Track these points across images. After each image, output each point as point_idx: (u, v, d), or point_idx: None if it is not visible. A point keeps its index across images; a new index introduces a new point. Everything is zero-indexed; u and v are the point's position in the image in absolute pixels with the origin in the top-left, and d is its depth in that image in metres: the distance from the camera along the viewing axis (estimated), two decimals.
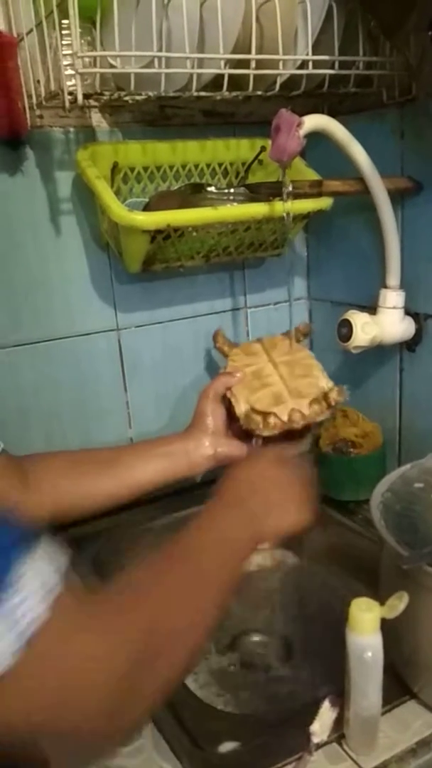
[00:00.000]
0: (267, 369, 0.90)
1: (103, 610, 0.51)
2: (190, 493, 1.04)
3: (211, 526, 0.66)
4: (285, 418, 0.83)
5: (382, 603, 0.58)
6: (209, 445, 0.86)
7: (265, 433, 0.84)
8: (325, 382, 0.88)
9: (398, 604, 0.57)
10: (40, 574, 0.46)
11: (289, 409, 0.83)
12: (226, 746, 0.62)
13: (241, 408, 0.85)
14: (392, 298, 0.94)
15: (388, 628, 0.58)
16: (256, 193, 0.95)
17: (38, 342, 0.99)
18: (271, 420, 0.84)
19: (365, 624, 0.57)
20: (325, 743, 0.62)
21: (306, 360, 0.92)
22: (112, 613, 0.51)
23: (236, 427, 0.88)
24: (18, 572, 0.44)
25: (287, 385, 0.87)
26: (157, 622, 0.52)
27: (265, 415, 0.84)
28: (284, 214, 0.90)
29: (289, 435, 0.85)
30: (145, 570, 0.57)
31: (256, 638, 0.90)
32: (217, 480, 0.72)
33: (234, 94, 0.83)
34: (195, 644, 0.57)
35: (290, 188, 0.87)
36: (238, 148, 1.04)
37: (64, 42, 0.75)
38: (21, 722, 0.45)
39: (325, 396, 0.86)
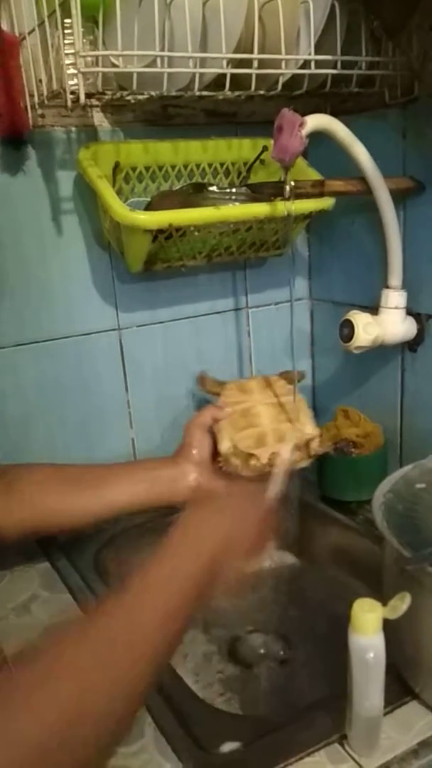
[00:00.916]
0: (255, 409, 0.92)
1: (13, 683, 0.45)
2: None
3: (162, 561, 0.61)
4: (265, 460, 0.85)
5: (384, 604, 0.58)
6: (193, 477, 0.87)
7: (244, 473, 0.85)
8: (310, 429, 0.90)
9: (400, 604, 0.57)
10: None
11: (270, 452, 0.85)
12: (228, 746, 0.62)
13: (224, 446, 0.86)
14: (394, 299, 0.94)
15: (390, 628, 0.58)
16: (258, 192, 0.95)
17: (39, 342, 0.98)
18: (252, 461, 0.85)
19: (367, 624, 0.57)
20: (327, 744, 0.62)
21: (297, 405, 0.94)
22: (25, 687, 0.44)
23: (216, 463, 0.89)
24: None
25: (272, 427, 0.88)
26: (80, 695, 0.45)
27: (246, 455, 0.85)
28: (286, 214, 0.90)
29: (266, 477, 0.85)
30: (69, 635, 0.50)
31: (258, 638, 0.90)
32: None
33: (236, 93, 0.83)
34: (124, 713, 0.50)
35: (292, 188, 0.87)
36: (240, 148, 1.04)
37: (66, 41, 0.75)
38: None
39: (307, 444, 0.87)
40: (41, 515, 0.80)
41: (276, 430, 0.89)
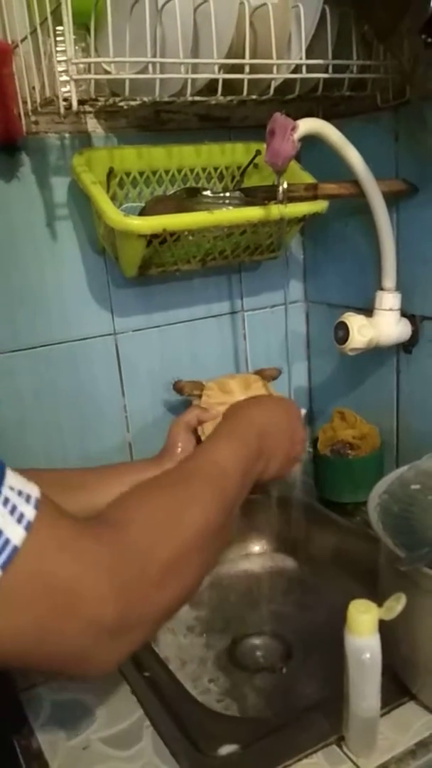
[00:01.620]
0: None
1: (101, 523, 0.53)
2: None
3: (208, 450, 0.68)
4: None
5: (380, 604, 0.58)
6: None
7: None
8: None
9: (396, 605, 0.57)
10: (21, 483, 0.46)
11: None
12: (226, 749, 0.62)
13: None
14: (388, 300, 0.94)
15: (386, 629, 0.58)
16: (251, 196, 0.95)
17: (35, 347, 0.99)
18: None
19: (363, 625, 0.57)
20: (325, 745, 0.62)
21: None
22: (115, 528, 0.53)
23: None
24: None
25: None
26: (169, 549, 0.54)
27: None
28: (280, 218, 0.90)
29: None
30: (155, 485, 0.61)
31: (255, 641, 0.90)
32: None
33: (229, 98, 0.83)
34: (205, 562, 0.59)
35: (285, 191, 0.88)
36: (234, 152, 1.04)
37: (58, 48, 0.75)
38: (15, 638, 0.44)
39: None
40: None
41: None
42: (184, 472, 0.65)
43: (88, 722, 0.67)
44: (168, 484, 0.63)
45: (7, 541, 0.42)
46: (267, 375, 1.00)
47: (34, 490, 0.47)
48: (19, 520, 0.44)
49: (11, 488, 0.45)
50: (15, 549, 0.43)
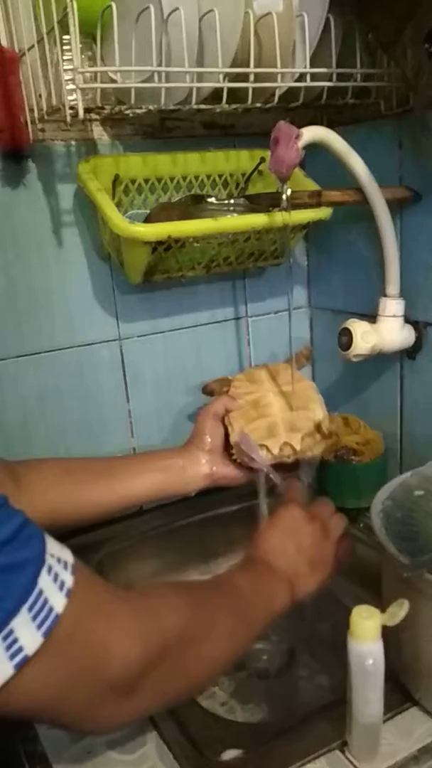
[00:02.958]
0: (266, 399, 0.91)
1: (139, 596, 0.57)
2: (190, 501, 1.05)
3: (246, 576, 0.68)
4: (276, 451, 0.84)
5: (383, 611, 0.58)
6: (206, 464, 0.87)
7: (255, 465, 0.85)
8: (320, 414, 0.89)
9: (399, 611, 0.57)
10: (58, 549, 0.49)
11: (281, 442, 0.85)
12: (229, 754, 0.63)
13: (235, 437, 0.86)
14: (392, 307, 0.94)
15: (389, 635, 0.58)
16: (256, 203, 0.96)
17: (41, 353, 0.99)
18: (263, 452, 0.84)
19: (366, 631, 0.57)
20: (328, 751, 0.62)
21: (306, 391, 0.93)
22: (151, 600, 0.57)
23: (228, 452, 0.89)
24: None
25: (283, 416, 0.88)
26: (192, 630, 0.57)
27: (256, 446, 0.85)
28: (284, 225, 0.90)
29: (281, 466, 0.86)
30: (182, 587, 0.63)
31: (258, 646, 0.90)
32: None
33: (233, 106, 0.84)
34: (210, 670, 0.61)
35: (289, 198, 0.88)
36: (238, 160, 1.05)
37: (65, 57, 0.76)
38: (41, 698, 0.47)
39: (318, 427, 0.87)
40: (53, 509, 0.78)
41: (286, 419, 0.88)
42: (231, 588, 0.66)
43: None
44: (219, 591, 0.65)
45: (50, 610, 0.46)
46: (300, 359, 0.98)
47: (69, 556, 0.50)
48: (61, 587, 0.47)
49: (52, 555, 0.48)
50: (57, 617, 0.46)
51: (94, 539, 0.97)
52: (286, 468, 0.86)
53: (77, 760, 0.64)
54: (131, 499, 0.84)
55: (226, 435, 0.88)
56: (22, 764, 0.65)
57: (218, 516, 1.05)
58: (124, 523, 1.02)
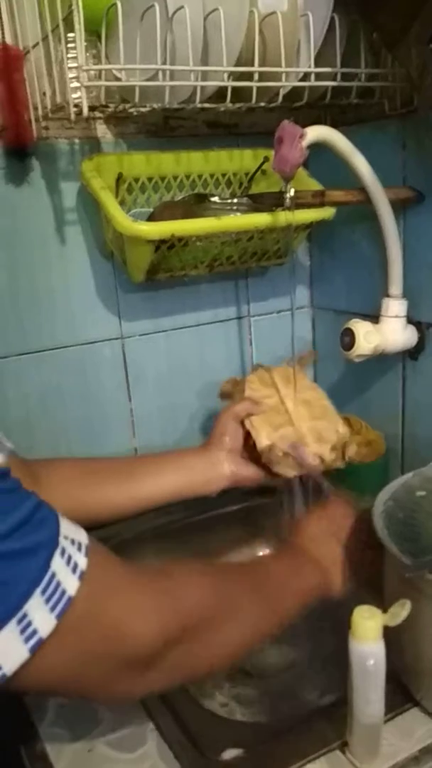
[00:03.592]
0: (286, 404, 0.91)
1: (160, 576, 0.57)
2: (191, 501, 1.05)
3: (281, 563, 0.70)
4: (307, 461, 0.85)
5: (385, 611, 0.58)
6: (227, 464, 0.87)
7: (289, 474, 0.86)
8: (342, 428, 0.91)
9: (400, 611, 0.57)
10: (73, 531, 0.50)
11: (312, 452, 0.86)
12: (230, 753, 0.62)
13: (262, 442, 0.86)
14: (395, 307, 0.94)
15: (390, 635, 0.58)
16: (259, 203, 0.96)
17: (43, 351, 0.99)
18: (291, 461, 0.85)
19: (367, 631, 0.57)
20: (328, 751, 0.62)
21: (321, 401, 0.94)
22: (172, 580, 0.57)
23: (249, 452, 0.89)
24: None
25: (309, 426, 0.89)
26: (214, 612, 0.57)
27: (286, 454, 0.86)
28: (287, 224, 0.90)
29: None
30: (205, 569, 0.62)
31: (260, 646, 0.90)
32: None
33: (237, 105, 0.84)
34: (231, 653, 0.62)
35: (293, 198, 0.88)
36: (242, 159, 1.05)
37: (69, 55, 0.76)
38: (57, 676, 0.49)
39: (344, 447, 0.89)
40: (72, 508, 0.77)
41: (312, 429, 0.89)
42: (261, 574, 0.68)
43: (93, 725, 0.67)
44: (247, 577, 0.66)
45: (63, 593, 0.46)
46: (304, 362, 0.99)
47: (84, 537, 0.51)
48: (74, 570, 0.48)
49: (65, 537, 0.48)
50: (70, 599, 0.47)
51: (98, 537, 0.97)
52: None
53: (78, 759, 0.64)
54: (151, 499, 0.84)
55: (245, 437, 0.89)
56: (23, 762, 0.65)
57: (219, 516, 1.05)
58: (125, 522, 1.02)
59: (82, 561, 0.49)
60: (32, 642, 0.45)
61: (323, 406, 0.93)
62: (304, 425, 0.89)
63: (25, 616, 0.45)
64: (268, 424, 0.88)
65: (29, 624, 0.45)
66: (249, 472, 0.87)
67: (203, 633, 0.56)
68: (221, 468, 0.86)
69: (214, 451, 0.87)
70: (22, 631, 0.45)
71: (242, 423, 0.89)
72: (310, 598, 0.69)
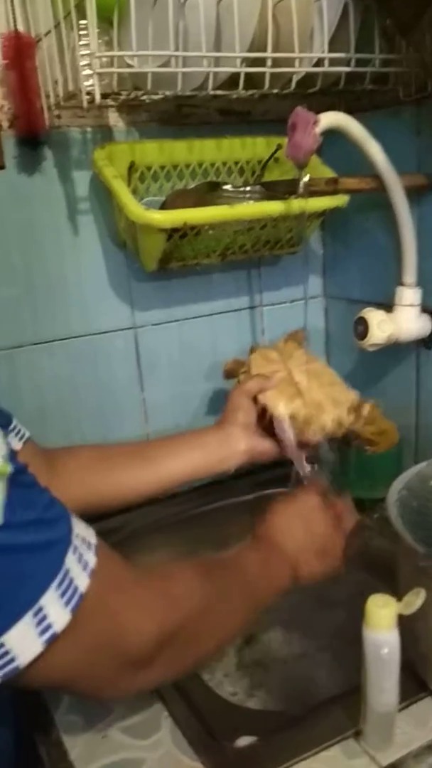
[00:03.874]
0: (297, 377, 0.91)
1: (158, 576, 0.59)
2: (206, 489, 1.05)
3: (253, 556, 0.70)
4: (329, 425, 0.86)
5: (399, 600, 0.58)
6: (242, 440, 0.86)
7: (312, 440, 0.86)
8: (351, 393, 0.91)
9: (415, 600, 0.57)
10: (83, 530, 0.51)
11: (332, 417, 0.86)
12: (244, 740, 0.63)
13: (280, 412, 0.86)
14: (409, 296, 0.94)
15: (404, 624, 0.58)
16: (272, 191, 0.95)
17: (56, 340, 0.99)
18: (315, 427, 0.85)
19: (381, 620, 0.57)
20: (342, 739, 0.62)
21: (326, 370, 0.95)
22: (163, 579, 0.58)
23: (262, 428, 0.89)
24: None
25: (322, 392, 0.89)
26: (205, 609, 0.59)
27: (307, 421, 0.86)
28: (300, 212, 0.90)
29: (303, 445, 0.87)
30: (196, 566, 0.63)
31: (273, 634, 0.90)
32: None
33: (250, 92, 0.83)
34: (223, 641, 0.65)
35: (306, 186, 0.87)
36: (255, 147, 1.04)
37: (81, 42, 0.76)
38: (65, 672, 0.50)
39: (358, 409, 0.89)
40: (89, 494, 0.79)
41: (328, 396, 0.89)
42: (239, 566, 0.68)
43: (107, 712, 0.67)
44: (230, 569, 0.67)
45: (76, 589, 0.47)
46: (298, 339, 1.00)
47: (92, 536, 0.52)
48: (85, 567, 0.49)
49: (77, 536, 0.49)
50: (81, 595, 0.47)
51: (107, 527, 0.97)
52: (307, 445, 0.88)
53: (92, 745, 0.64)
54: (169, 479, 0.84)
55: (259, 414, 0.89)
56: (37, 749, 0.66)
57: (233, 505, 1.05)
58: (137, 511, 1.02)
59: (92, 559, 0.50)
60: (47, 635, 0.46)
61: (330, 374, 0.94)
62: (318, 393, 0.89)
63: (41, 609, 0.45)
64: (284, 395, 0.88)
65: (45, 617, 0.46)
66: (265, 446, 0.87)
67: (196, 628, 0.58)
68: (236, 444, 0.86)
69: (228, 428, 0.87)
70: (38, 623, 0.45)
71: (254, 400, 0.89)
72: (281, 588, 0.70)
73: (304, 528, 0.75)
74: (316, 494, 0.79)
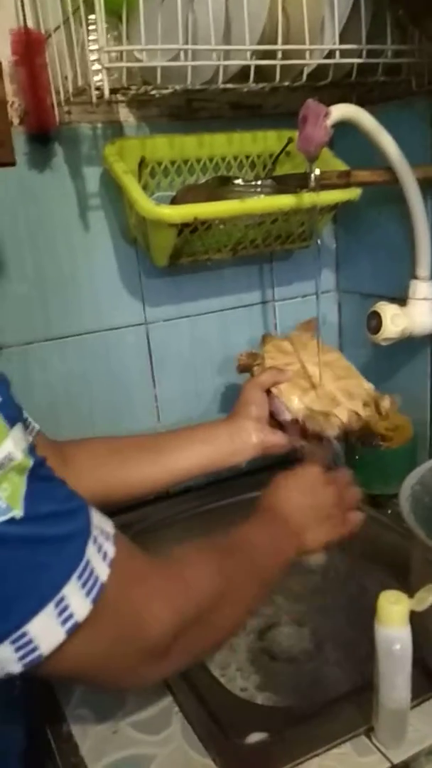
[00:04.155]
0: (310, 370, 0.91)
1: (172, 564, 0.59)
2: (219, 485, 1.05)
3: (260, 531, 0.70)
4: (345, 419, 0.85)
5: (411, 596, 0.57)
6: (254, 433, 0.86)
7: (330, 433, 0.86)
8: (368, 385, 0.91)
9: (427, 596, 0.56)
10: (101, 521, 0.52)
11: (347, 410, 0.86)
12: (255, 737, 0.63)
13: (295, 406, 0.86)
14: (422, 289, 0.93)
15: (416, 621, 0.57)
16: (283, 184, 0.94)
17: (67, 337, 1.00)
18: (332, 420, 0.85)
19: (394, 616, 0.57)
20: (354, 736, 0.62)
21: (341, 361, 0.94)
22: (183, 569, 0.59)
23: (274, 422, 0.89)
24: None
25: (336, 385, 0.89)
26: (218, 594, 0.59)
27: (325, 415, 0.85)
28: (312, 206, 0.89)
29: (315, 436, 0.87)
30: (208, 550, 0.63)
31: (285, 630, 0.90)
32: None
33: (261, 85, 0.83)
34: (236, 625, 0.65)
35: (318, 179, 0.87)
36: (265, 140, 1.04)
37: (90, 37, 0.75)
38: (86, 661, 0.50)
39: (376, 404, 0.89)
40: (101, 486, 0.79)
41: (342, 389, 0.89)
42: (246, 545, 0.68)
43: (118, 707, 0.68)
44: (237, 550, 0.66)
45: (96, 579, 0.48)
46: (310, 328, 1.00)
47: (110, 527, 0.52)
48: (104, 557, 0.49)
49: (96, 527, 0.50)
50: (102, 585, 0.48)
51: (120, 523, 0.97)
52: (319, 437, 0.87)
53: (103, 740, 0.64)
54: (180, 472, 0.84)
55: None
56: (49, 743, 0.66)
57: (245, 501, 1.05)
58: (150, 507, 1.02)
59: (110, 549, 0.50)
60: (69, 624, 0.46)
61: (345, 365, 0.93)
62: (331, 386, 0.89)
63: (63, 599, 0.46)
64: (297, 389, 0.88)
65: (66, 607, 0.46)
66: (277, 439, 0.87)
67: (210, 614, 0.58)
68: (248, 437, 0.85)
69: (240, 421, 0.86)
70: (60, 613, 0.46)
71: (267, 393, 0.88)
72: (287, 561, 0.70)
73: (308, 497, 0.76)
74: (318, 467, 0.80)
